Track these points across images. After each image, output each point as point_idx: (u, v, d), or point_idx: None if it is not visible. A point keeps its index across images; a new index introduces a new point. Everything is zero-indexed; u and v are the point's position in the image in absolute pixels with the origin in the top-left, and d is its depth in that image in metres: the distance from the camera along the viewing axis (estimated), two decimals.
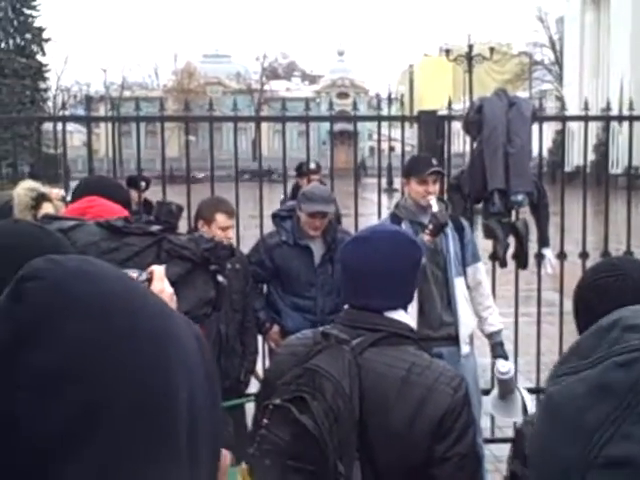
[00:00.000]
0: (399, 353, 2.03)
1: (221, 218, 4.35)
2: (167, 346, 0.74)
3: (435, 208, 4.15)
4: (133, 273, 1.75)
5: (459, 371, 4.21)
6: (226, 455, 1.05)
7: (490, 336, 4.51)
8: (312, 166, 7.12)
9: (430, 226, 4.14)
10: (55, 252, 1.61)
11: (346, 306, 2.19)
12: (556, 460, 0.81)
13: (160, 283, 1.77)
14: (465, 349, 4.39)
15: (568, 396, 0.83)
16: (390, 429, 1.96)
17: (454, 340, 4.35)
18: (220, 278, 2.52)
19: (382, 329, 2.06)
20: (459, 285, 4.37)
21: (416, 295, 4.21)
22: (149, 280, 1.76)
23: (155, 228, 2.46)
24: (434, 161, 4.40)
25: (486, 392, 5.31)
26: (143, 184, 6.36)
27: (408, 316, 2.16)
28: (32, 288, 0.69)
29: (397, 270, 2.11)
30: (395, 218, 4.41)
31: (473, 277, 4.46)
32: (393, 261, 2.10)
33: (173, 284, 2.37)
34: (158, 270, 1.80)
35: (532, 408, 3.98)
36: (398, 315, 2.11)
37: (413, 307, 4.25)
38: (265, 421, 1.96)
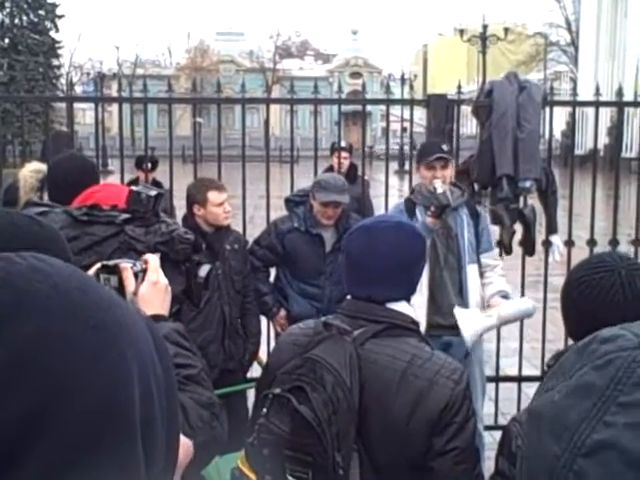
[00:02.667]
0: (400, 345, 2.03)
1: (213, 195, 4.36)
2: (121, 339, 0.75)
3: (439, 190, 4.11)
4: (127, 263, 1.74)
5: (464, 361, 4.25)
6: (187, 445, 1.05)
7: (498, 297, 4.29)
8: (342, 144, 7.03)
9: (432, 208, 4.12)
10: (47, 244, 1.61)
11: (349, 296, 2.18)
12: (542, 460, 0.86)
13: (155, 274, 1.76)
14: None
15: (549, 402, 0.89)
16: (389, 421, 1.96)
17: None
18: (202, 272, 2.38)
19: (384, 320, 2.05)
20: (472, 272, 4.33)
21: (427, 282, 4.24)
22: (144, 270, 1.75)
23: (121, 218, 2.43)
24: (444, 146, 4.35)
25: (491, 379, 5.33)
26: (149, 165, 6.37)
27: (411, 307, 2.15)
28: None
29: (400, 261, 2.09)
30: (410, 203, 4.40)
31: (488, 263, 4.42)
32: (396, 252, 2.09)
33: None
34: (153, 260, 1.78)
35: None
36: (400, 307, 2.10)
37: (424, 294, 4.24)
38: (264, 410, 1.97)
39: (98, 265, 1.75)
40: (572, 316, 1.83)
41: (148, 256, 1.81)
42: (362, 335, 2.02)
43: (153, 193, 2.49)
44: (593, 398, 0.82)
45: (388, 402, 1.96)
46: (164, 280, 1.78)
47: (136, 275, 1.74)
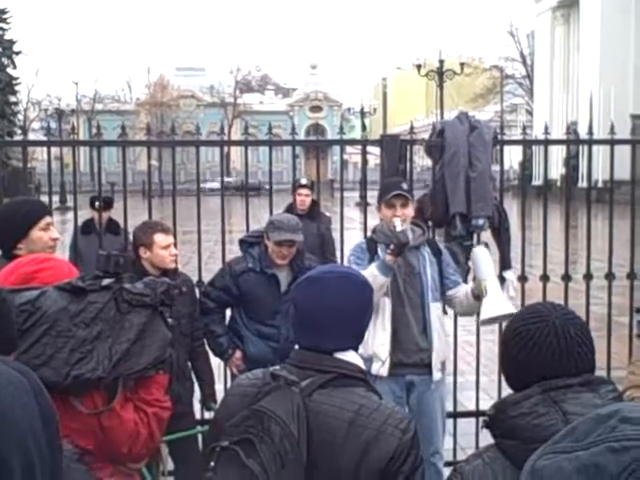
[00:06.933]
0: (348, 395, 2.03)
1: (160, 238, 4.33)
2: None
3: (398, 228, 4.13)
4: None
5: (428, 397, 4.29)
6: None
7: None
8: (303, 181, 7.12)
9: (391, 246, 4.14)
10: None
11: (297, 346, 2.18)
12: None
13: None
14: (437, 376, 4.39)
15: (556, 471, 0.89)
16: (338, 472, 1.95)
17: (427, 367, 4.35)
18: (169, 319, 2.59)
19: (332, 370, 2.05)
20: (435, 310, 4.37)
21: (390, 318, 4.26)
22: None
23: (107, 282, 2.54)
24: (403, 185, 4.38)
25: (449, 415, 5.35)
26: (101, 204, 6.32)
27: (358, 356, 2.16)
28: None
29: (347, 312, 2.10)
30: (371, 242, 4.43)
31: (464, 290, 4.42)
32: (343, 303, 2.10)
33: (141, 333, 2.47)
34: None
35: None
36: (348, 356, 2.10)
37: (386, 331, 4.26)
38: (212, 464, 1.95)
39: None
40: (509, 366, 1.85)
41: None
42: (310, 386, 2.02)
43: (122, 255, 2.69)
44: None
45: (336, 453, 1.96)
46: None
47: None
